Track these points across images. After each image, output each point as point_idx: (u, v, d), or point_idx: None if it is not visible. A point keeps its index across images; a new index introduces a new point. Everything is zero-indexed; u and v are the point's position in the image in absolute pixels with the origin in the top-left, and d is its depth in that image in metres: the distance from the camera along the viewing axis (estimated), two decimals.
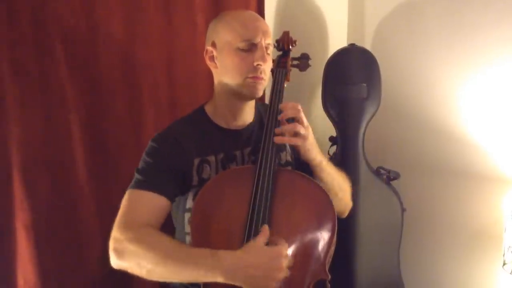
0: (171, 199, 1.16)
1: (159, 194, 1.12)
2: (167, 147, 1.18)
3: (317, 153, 1.20)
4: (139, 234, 1.03)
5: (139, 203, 1.11)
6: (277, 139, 1.14)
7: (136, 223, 1.06)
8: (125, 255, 1.02)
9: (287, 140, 1.15)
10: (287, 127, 1.14)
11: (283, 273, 0.98)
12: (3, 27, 1.27)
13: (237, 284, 0.96)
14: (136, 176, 1.15)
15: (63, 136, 1.40)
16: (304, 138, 1.14)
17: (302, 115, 1.16)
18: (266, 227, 1.03)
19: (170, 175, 1.16)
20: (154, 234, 1.05)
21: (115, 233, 1.05)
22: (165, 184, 1.14)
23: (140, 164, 1.18)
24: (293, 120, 1.16)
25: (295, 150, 1.25)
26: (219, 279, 0.95)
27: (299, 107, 1.16)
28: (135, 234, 1.02)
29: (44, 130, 1.36)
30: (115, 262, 1.04)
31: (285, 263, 0.98)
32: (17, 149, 1.31)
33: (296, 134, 1.14)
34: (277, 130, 1.14)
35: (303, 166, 1.28)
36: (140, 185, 1.13)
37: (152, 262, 0.99)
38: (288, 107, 1.15)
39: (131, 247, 1.01)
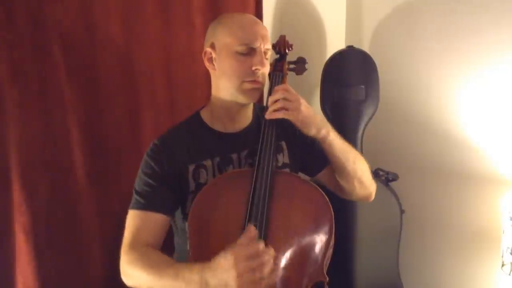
0: (171, 214, 1.20)
1: (158, 212, 1.15)
2: (162, 161, 1.19)
3: (320, 128, 1.17)
4: (135, 256, 1.08)
5: (140, 225, 1.15)
6: (267, 115, 1.15)
7: (136, 245, 1.11)
8: (128, 277, 1.09)
9: (277, 114, 1.15)
10: (275, 104, 1.15)
11: (248, 277, 0.91)
12: (1, 29, 1.27)
13: None
14: (135, 196, 1.18)
15: (62, 138, 1.40)
16: (293, 110, 1.14)
17: (289, 90, 1.16)
18: (250, 228, 0.97)
19: (167, 190, 1.18)
20: (148, 254, 1.09)
21: (121, 256, 1.11)
22: (164, 201, 1.17)
23: (138, 184, 1.20)
24: None
25: (296, 132, 1.25)
26: None
27: (286, 87, 1.17)
28: (132, 257, 1.09)
29: (43, 132, 1.36)
30: (126, 282, 1.11)
31: (246, 267, 0.91)
32: (16, 151, 1.31)
33: (284, 108, 1.14)
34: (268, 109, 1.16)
35: (310, 163, 1.29)
36: (139, 206, 1.16)
37: (147, 283, 1.04)
38: (276, 90, 1.17)
39: (130, 270, 1.08)
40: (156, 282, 1.02)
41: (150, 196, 1.16)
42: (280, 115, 1.14)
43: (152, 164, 1.19)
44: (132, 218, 1.16)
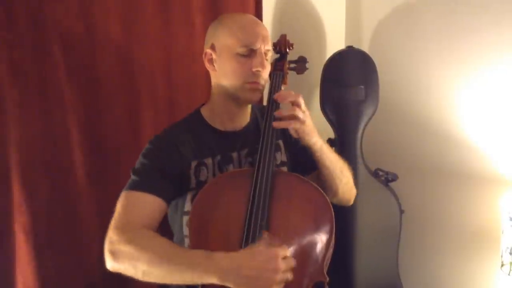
0: (167, 201, 1.16)
1: (155, 195, 1.12)
2: (164, 149, 1.19)
3: (317, 138, 1.19)
4: (134, 235, 1.03)
5: (134, 205, 1.11)
6: (275, 124, 1.13)
7: (131, 225, 1.06)
8: (119, 257, 1.01)
9: (285, 124, 1.13)
10: (286, 111, 1.13)
11: (280, 275, 0.95)
12: (1, 29, 1.27)
13: (232, 285, 0.95)
14: (132, 177, 1.15)
15: (62, 138, 1.40)
16: (302, 121, 1.13)
17: (300, 100, 1.14)
18: (266, 233, 1.02)
19: (166, 176, 1.16)
20: (149, 236, 1.05)
21: (110, 235, 1.04)
22: (161, 185, 1.14)
23: (136, 165, 1.18)
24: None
25: (291, 139, 1.25)
26: (214, 281, 0.95)
27: (297, 98, 1.15)
28: (129, 236, 1.02)
29: (43, 132, 1.36)
30: (110, 264, 1.03)
31: (282, 264, 0.95)
32: (16, 151, 1.32)
33: (294, 118, 1.12)
34: (276, 113, 1.13)
35: (299, 166, 1.29)
36: (135, 186, 1.12)
37: (147, 264, 0.98)
38: (284, 96, 1.15)
39: (125, 248, 1.00)
40: (164, 266, 0.98)
41: (147, 177, 1.13)
42: (291, 124, 1.12)
43: (153, 149, 1.18)
44: (126, 197, 1.11)
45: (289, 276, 0.97)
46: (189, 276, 0.97)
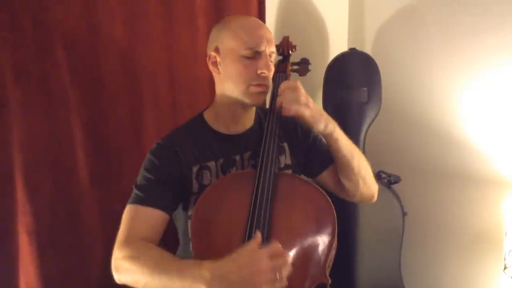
0: (169, 212, 1.17)
1: (157, 209, 1.13)
2: (164, 159, 1.19)
3: (327, 123, 1.18)
4: (132, 250, 1.05)
5: (136, 219, 1.12)
6: (284, 111, 1.13)
7: (131, 239, 1.08)
8: (122, 272, 1.05)
9: (292, 111, 1.13)
10: (287, 96, 1.14)
11: (268, 275, 0.91)
12: (5, 30, 1.28)
13: None
14: (135, 191, 1.17)
15: (65, 139, 1.40)
16: (305, 104, 1.13)
17: (298, 84, 1.16)
18: (258, 234, 0.98)
19: (168, 187, 1.17)
20: (145, 249, 1.06)
21: (115, 250, 1.08)
22: (163, 198, 1.15)
23: (138, 179, 1.19)
24: None
25: (302, 127, 1.25)
26: None
27: (291, 85, 1.16)
28: (128, 252, 1.05)
29: (46, 133, 1.37)
30: (117, 278, 1.07)
31: (266, 264, 0.91)
32: (19, 151, 1.32)
33: (295, 102, 1.13)
34: (278, 99, 1.15)
35: (313, 163, 1.29)
36: (138, 201, 1.14)
37: (144, 277, 1.00)
38: (284, 88, 1.16)
39: (126, 264, 1.04)
40: (156, 278, 0.99)
41: (149, 191, 1.15)
42: (292, 111, 1.13)
43: (155, 161, 1.19)
44: (129, 212, 1.13)
45: (284, 273, 0.93)
46: (180, 285, 0.96)
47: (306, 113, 1.13)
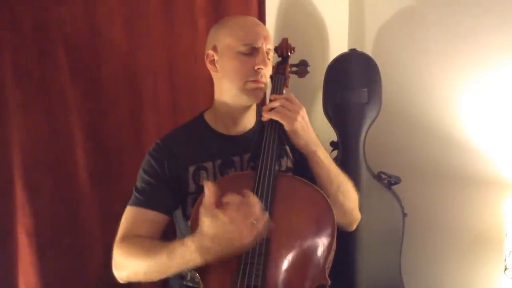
0: (170, 213, 1.20)
1: (155, 210, 1.15)
2: (161, 160, 1.20)
3: (309, 142, 1.19)
4: (127, 247, 1.08)
5: (136, 221, 1.15)
6: (264, 115, 1.20)
7: (128, 236, 1.11)
8: (121, 269, 1.08)
9: (271, 114, 1.19)
10: (274, 103, 1.19)
11: (244, 222, 0.90)
12: (5, 31, 1.28)
13: (215, 257, 0.93)
14: (134, 193, 1.19)
15: (65, 140, 1.40)
16: (288, 117, 1.17)
17: (291, 100, 1.20)
18: (207, 183, 0.94)
19: (167, 188, 1.19)
20: (135, 242, 1.08)
21: (113, 252, 1.10)
22: (163, 199, 1.18)
23: (138, 181, 1.21)
24: None
25: (294, 148, 1.26)
26: (198, 261, 0.94)
27: (288, 97, 1.21)
28: (124, 248, 1.08)
29: (46, 134, 1.37)
30: (119, 277, 1.09)
31: (240, 213, 0.90)
32: (19, 152, 1.32)
33: (282, 110, 1.18)
34: (265, 107, 1.21)
35: (305, 172, 1.27)
36: (137, 203, 1.17)
37: (142, 267, 1.03)
38: (275, 98, 1.22)
39: (122, 259, 1.07)
40: (151, 264, 1.01)
41: (148, 194, 1.17)
42: (272, 115, 1.19)
43: (153, 162, 1.20)
44: (128, 214, 1.16)
45: (257, 214, 0.91)
46: (174, 265, 0.98)
47: (286, 123, 1.17)
